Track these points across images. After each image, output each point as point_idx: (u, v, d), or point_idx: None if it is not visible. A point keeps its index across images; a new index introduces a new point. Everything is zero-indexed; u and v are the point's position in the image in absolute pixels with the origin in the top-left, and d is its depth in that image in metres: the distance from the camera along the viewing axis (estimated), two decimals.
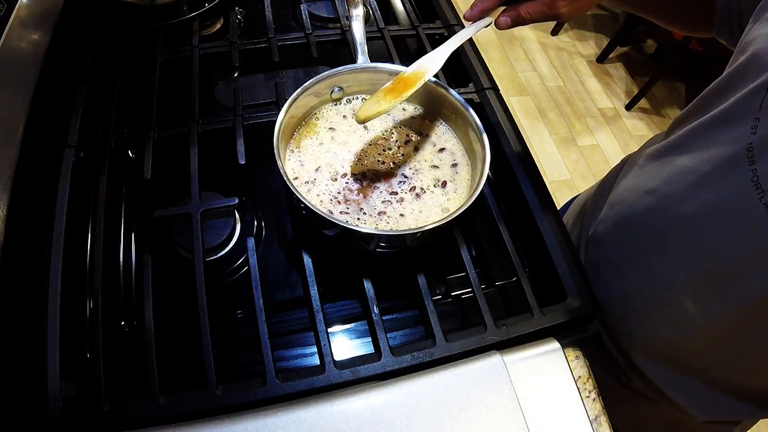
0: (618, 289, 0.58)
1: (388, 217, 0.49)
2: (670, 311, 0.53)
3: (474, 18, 0.51)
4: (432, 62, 0.52)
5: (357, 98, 0.58)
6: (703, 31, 0.58)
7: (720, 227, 0.45)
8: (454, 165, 0.54)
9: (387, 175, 0.52)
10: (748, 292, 0.44)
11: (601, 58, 2.56)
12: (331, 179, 0.51)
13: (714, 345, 0.51)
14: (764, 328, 0.46)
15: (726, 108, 0.45)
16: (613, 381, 0.65)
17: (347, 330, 0.53)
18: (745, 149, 0.41)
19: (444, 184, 0.52)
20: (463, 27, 0.75)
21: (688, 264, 0.49)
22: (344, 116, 0.56)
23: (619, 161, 0.73)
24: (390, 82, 0.51)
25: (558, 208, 0.57)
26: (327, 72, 0.53)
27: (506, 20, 0.50)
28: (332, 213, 0.48)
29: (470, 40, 0.73)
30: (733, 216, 0.44)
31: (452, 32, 0.74)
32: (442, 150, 0.55)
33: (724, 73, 0.48)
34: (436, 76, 0.58)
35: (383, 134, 0.55)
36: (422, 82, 0.50)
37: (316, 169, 0.52)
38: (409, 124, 0.57)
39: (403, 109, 0.58)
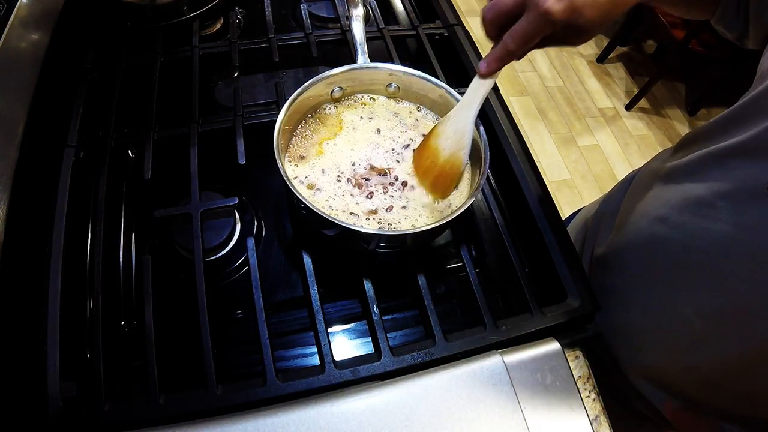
0: (621, 316, 0.56)
1: (389, 217, 0.49)
2: (672, 344, 0.51)
3: (492, 73, 0.47)
4: (462, 145, 0.49)
5: (360, 97, 0.58)
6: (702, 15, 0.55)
7: (733, 264, 0.43)
8: None
9: (387, 175, 0.52)
10: (757, 334, 0.42)
11: (601, 58, 2.56)
12: (332, 179, 0.51)
13: (716, 381, 0.49)
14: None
15: (744, 140, 0.42)
16: (615, 402, 0.62)
17: (347, 330, 0.53)
18: (765, 187, 0.39)
19: None
20: (461, 26, 0.75)
21: (696, 300, 0.47)
22: (345, 116, 0.56)
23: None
24: (424, 172, 0.51)
25: (560, 214, 0.56)
26: (327, 72, 0.53)
27: (487, 65, 0.45)
28: (333, 213, 0.48)
29: (470, 40, 0.73)
30: (747, 254, 0.42)
31: (452, 33, 0.74)
32: None
33: (743, 99, 0.45)
34: (435, 76, 0.58)
35: (386, 135, 0.55)
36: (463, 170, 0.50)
37: (321, 171, 0.52)
38: (411, 125, 0.57)
39: (410, 113, 0.58)
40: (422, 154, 0.51)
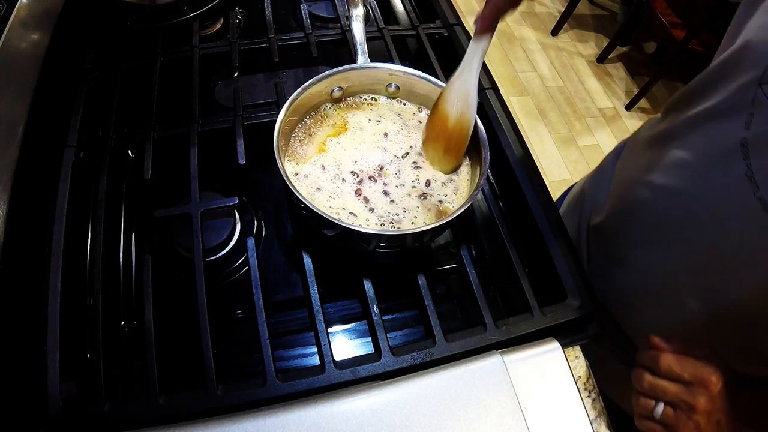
0: (620, 279, 0.59)
1: (389, 217, 0.49)
2: (669, 302, 0.54)
3: (487, 29, 0.47)
4: (468, 105, 0.49)
5: (360, 97, 0.58)
6: None
7: (715, 220, 0.46)
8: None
9: (387, 175, 0.52)
10: (743, 284, 0.45)
11: (601, 58, 2.56)
12: (332, 177, 0.51)
13: (712, 335, 0.52)
14: (760, 318, 0.47)
15: (719, 102, 0.45)
16: (620, 364, 0.66)
17: (347, 330, 0.53)
18: (739, 144, 0.42)
19: (444, 184, 0.52)
20: (461, 25, 0.75)
21: (686, 256, 0.50)
22: (346, 117, 0.56)
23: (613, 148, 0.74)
24: (433, 133, 0.52)
25: (560, 214, 0.57)
26: (327, 72, 0.53)
27: (482, 21, 0.46)
28: (332, 212, 0.48)
29: (470, 40, 0.73)
30: (727, 209, 0.45)
31: (452, 33, 0.74)
32: None
33: (717, 60, 0.48)
34: (435, 75, 0.58)
35: (392, 139, 0.55)
36: (470, 133, 0.50)
37: (321, 168, 0.52)
38: (414, 127, 0.57)
39: (413, 114, 0.58)
40: (433, 121, 0.53)
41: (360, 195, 0.50)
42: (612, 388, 0.68)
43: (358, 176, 0.51)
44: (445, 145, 0.52)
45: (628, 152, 0.65)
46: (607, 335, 0.63)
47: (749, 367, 0.52)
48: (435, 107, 0.52)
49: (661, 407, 0.46)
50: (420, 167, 0.53)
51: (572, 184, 0.88)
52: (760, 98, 0.41)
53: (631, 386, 0.52)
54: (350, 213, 0.49)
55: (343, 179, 0.51)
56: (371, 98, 0.58)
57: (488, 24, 0.46)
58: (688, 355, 0.46)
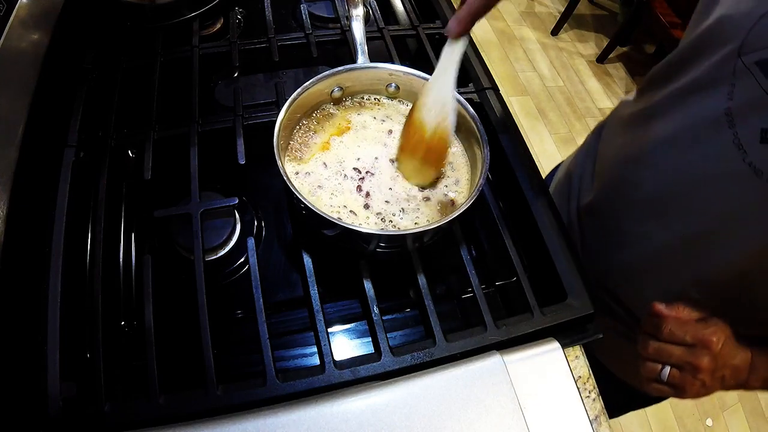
0: (616, 255, 0.61)
1: (389, 216, 0.49)
2: (667, 272, 0.55)
3: (462, 33, 0.46)
4: (445, 113, 0.48)
5: (365, 97, 0.58)
6: None
7: (708, 189, 0.48)
8: (454, 165, 0.54)
9: (387, 175, 0.52)
10: (739, 248, 0.47)
11: (601, 58, 2.56)
12: (335, 176, 0.51)
13: (711, 301, 0.53)
14: (757, 281, 0.49)
15: (699, 76, 0.47)
16: (626, 341, 0.67)
17: (347, 330, 0.53)
18: (724, 114, 0.44)
19: (446, 185, 0.52)
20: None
21: (681, 226, 0.51)
22: (350, 116, 0.56)
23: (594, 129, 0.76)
24: (408, 144, 0.50)
25: (560, 214, 0.58)
26: (327, 72, 0.53)
27: (457, 24, 0.45)
28: (332, 210, 0.48)
29: (470, 40, 0.73)
30: (718, 177, 0.46)
31: None
32: None
33: (691, 36, 0.49)
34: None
35: (389, 133, 0.55)
36: (451, 142, 0.50)
37: (323, 165, 0.52)
38: None
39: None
40: (408, 131, 0.50)
41: (361, 191, 0.50)
42: (612, 360, 0.72)
43: (360, 173, 0.51)
44: (423, 156, 0.49)
45: (610, 132, 0.67)
46: (605, 311, 0.65)
47: (750, 330, 0.53)
48: (410, 117, 0.50)
49: (667, 370, 0.50)
50: None
51: (557, 164, 0.89)
52: (741, 68, 0.42)
53: (631, 358, 0.55)
54: (351, 211, 0.49)
55: (345, 175, 0.51)
56: (374, 98, 0.58)
57: (465, 26, 0.45)
58: (688, 319, 0.49)
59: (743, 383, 0.50)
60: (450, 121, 0.48)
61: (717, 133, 0.45)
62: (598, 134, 0.72)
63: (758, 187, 0.43)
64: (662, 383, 0.50)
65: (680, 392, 0.50)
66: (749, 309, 0.52)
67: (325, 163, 0.52)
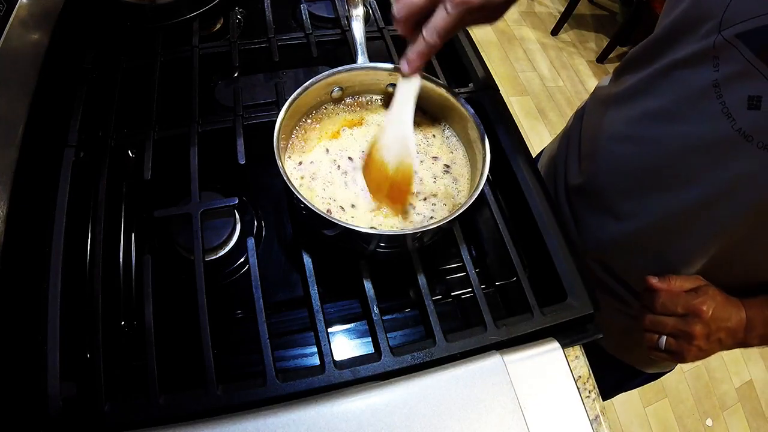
0: (612, 229, 0.62)
1: (389, 216, 0.49)
2: (664, 243, 0.57)
3: (416, 71, 0.47)
4: (406, 150, 0.48)
5: (363, 98, 0.58)
6: None
7: (699, 157, 0.49)
8: (454, 165, 0.54)
9: (387, 175, 0.52)
10: (733, 213, 0.49)
11: (601, 58, 2.56)
12: (333, 178, 0.51)
13: (709, 267, 0.56)
14: (753, 244, 0.51)
15: (683, 54, 0.49)
16: (620, 315, 0.69)
17: (347, 330, 0.53)
18: (711, 85, 0.46)
19: (445, 185, 0.52)
20: None
21: (675, 197, 0.53)
22: (347, 117, 0.56)
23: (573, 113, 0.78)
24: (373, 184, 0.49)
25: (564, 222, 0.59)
26: (327, 72, 0.53)
27: (409, 63, 0.45)
28: (331, 213, 0.48)
29: (470, 40, 0.73)
30: (709, 145, 0.48)
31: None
32: (442, 150, 0.55)
33: (668, 19, 0.52)
34: (435, 75, 0.58)
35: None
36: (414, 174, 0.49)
37: (319, 169, 0.52)
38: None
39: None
40: (370, 169, 0.49)
41: (361, 194, 0.50)
42: (614, 342, 0.75)
43: (358, 176, 0.51)
44: (387, 193, 0.48)
45: (592, 114, 0.68)
46: (600, 286, 0.67)
47: (746, 294, 0.56)
48: (369, 157, 0.49)
49: (663, 339, 0.55)
50: (420, 169, 0.53)
51: (539, 152, 0.91)
52: (722, 42, 0.44)
53: (624, 335, 0.62)
54: (350, 213, 0.49)
55: (344, 180, 0.51)
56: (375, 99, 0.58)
57: (415, 66, 0.46)
58: (680, 290, 0.54)
59: (741, 342, 0.54)
60: (412, 157, 0.47)
61: (705, 103, 0.47)
62: (579, 119, 0.73)
63: (749, 152, 0.45)
64: (661, 351, 0.55)
65: (679, 358, 0.55)
66: (745, 274, 0.55)
67: (322, 165, 0.52)
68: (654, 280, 0.55)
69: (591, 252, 0.66)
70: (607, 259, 0.66)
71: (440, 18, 0.42)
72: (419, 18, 0.43)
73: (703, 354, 0.54)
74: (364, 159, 0.51)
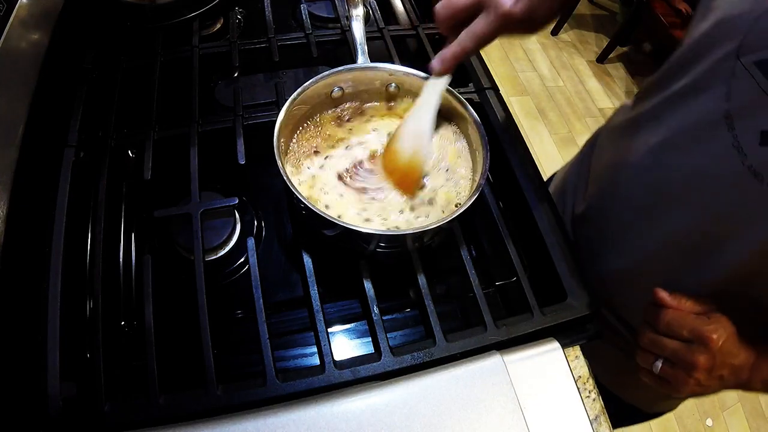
0: (612, 262, 0.60)
1: (389, 216, 0.49)
2: (664, 277, 0.54)
3: (447, 72, 0.47)
4: (420, 146, 0.49)
5: (363, 98, 0.57)
6: None
7: (706, 192, 0.47)
8: (454, 165, 0.54)
9: (399, 163, 0.52)
10: (737, 252, 0.46)
11: (601, 58, 2.56)
12: (332, 179, 0.51)
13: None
14: (754, 284, 0.48)
15: (697, 79, 0.46)
16: (616, 351, 0.67)
17: (347, 330, 0.53)
18: (723, 116, 0.43)
19: (441, 185, 0.52)
20: None
21: (677, 230, 0.50)
22: (346, 118, 0.56)
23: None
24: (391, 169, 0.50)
25: (560, 214, 0.57)
26: (327, 72, 0.53)
27: (442, 63, 0.45)
28: (331, 212, 0.48)
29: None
30: (717, 180, 0.45)
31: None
32: (442, 150, 0.55)
33: (689, 39, 0.48)
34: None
35: (384, 136, 0.55)
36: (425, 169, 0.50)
37: (319, 168, 0.52)
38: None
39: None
40: (387, 156, 0.52)
41: (360, 195, 0.50)
42: (611, 378, 0.70)
43: (358, 176, 0.51)
44: (397, 180, 0.51)
45: (605, 139, 0.66)
46: (604, 325, 0.63)
47: (752, 330, 0.52)
48: (389, 143, 0.52)
49: (659, 363, 0.48)
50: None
51: (551, 174, 0.88)
52: (739, 69, 0.41)
53: (630, 376, 0.54)
54: (350, 212, 0.49)
55: (343, 179, 0.51)
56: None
57: (447, 67, 0.46)
58: (691, 311, 0.47)
59: (744, 383, 0.48)
60: (425, 153, 0.49)
61: (715, 135, 0.44)
62: (593, 144, 0.71)
63: (758, 191, 0.42)
64: (654, 376, 0.48)
65: (672, 388, 0.48)
66: (749, 311, 0.51)
67: (322, 166, 0.52)
68: (663, 294, 0.48)
69: (590, 284, 0.65)
70: (607, 293, 0.63)
71: (481, 25, 0.42)
72: (460, 21, 0.43)
73: (700, 390, 0.47)
74: (385, 144, 0.53)
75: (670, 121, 0.50)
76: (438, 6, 0.44)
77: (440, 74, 0.47)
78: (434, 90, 0.48)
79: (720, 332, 0.45)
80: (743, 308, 0.51)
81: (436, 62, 0.46)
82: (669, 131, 0.49)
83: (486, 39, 0.43)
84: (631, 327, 0.63)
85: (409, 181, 0.50)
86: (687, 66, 0.48)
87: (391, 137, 0.52)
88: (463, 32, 0.43)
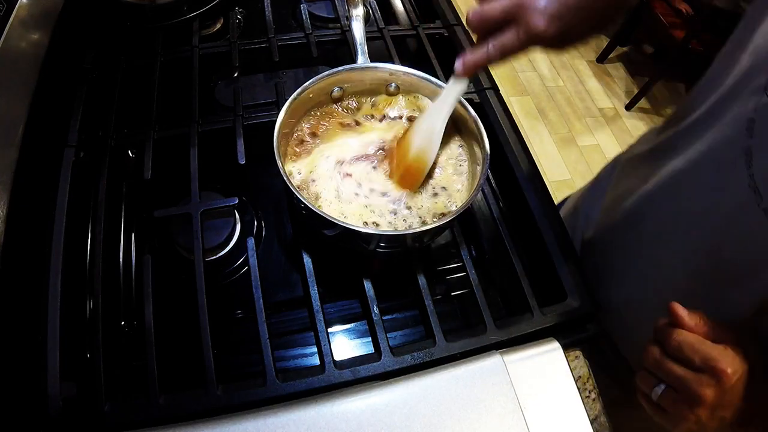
0: (616, 294, 0.58)
1: (389, 216, 0.49)
2: (660, 313, 0.51)
3: (468, 75, 0.46)
4: (429, 142, 0.50)
5: (363, 98, 0.57)
6: None
7: (716, 230, 0.44)
8: (454, 165, 0.54)
9: (387, 175, 0.52)
10: (743, 294, 0.43)
11: (601, 58, 2.56)
12: (332, 179, 0.51)
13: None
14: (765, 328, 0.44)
15: (720, 109, 0.44)
16: (616, 387, 0.64)
17: (347, 330, 0.53)
18: (743, 152, 0.40)
19: (443, 187, 0.52)
20: (461, 27, 0.75)
21: (685, 266, 0.48)
22: (346, 118, 0.56)
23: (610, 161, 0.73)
24: (395, 162, 0.51)
25: (560, 214, 0.57)
26: (327, 72, 0.53)
27: (464, 67, 0.45)
28: (331, 212, 0.48)
29: (470, 40, 0.73)
30: (729, 219, 0.43)
31: (452, 33, 0.74)
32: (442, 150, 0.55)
33: (716, 68, 0.47)
34: (435, 75, 0.58)
35: (384, 136, 0.55)
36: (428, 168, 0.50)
37: (318, 168, 0.52)
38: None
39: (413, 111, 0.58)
40: (400, 144, 0.52)
41: (360, 195, 0.50)
42: (614, 414, 0.66)
43: (358, 176, 0.51)
44: (402, 172, 0.51)
45: (624, 167, 0.64)
46: (601, 365, 0.60)
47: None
48: (406, 131, 0.52)
49: (660, 389, 0.41)
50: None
51: (564, 198, 0.86)
52: (764, 105, 0.39)
53: (632, 414, 0.48)
54: (350, 212, 0.49)
55: (343, 179, 0.51)
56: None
57: (468, 71, 0.46)
58: (708, 336, 0.40)
59: (742, 423, 0.41)
60: (431, 151, 0.50)
61: (733, 173, 0.41)
62: (611, 169, 0.69)
63: None
64: (652, 403, 0.42)
65: (669, 421, 0.42)
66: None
67: (321, 165, 0.52)
68: (681, 311, 0.41)
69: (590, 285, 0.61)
70: (607, 322, 0.59)
71: (509, 38, 0.42)
72: (491, 29, 0.43)
73: (696, 429, 0.41)
74: (396, 137, 0.54)
75: (689, 152, 0.48)
76: (471, 11, 0.43)
77: (461, 76, 0.47)
78: (453, 90, 0.49)
79: (736, 367, 0.38)
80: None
81: (458, 64, 0.46)
82: (686, 163, 0.48)
83: (512, 52, 0.43)
84: (630, 368, 0.60)
85: (410, 176, 0.51)
86: (711, 96, 0.46)
87: (404, 132, 0.52)
88: (491, 41, 0.43)
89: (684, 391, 0.39)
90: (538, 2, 0.39)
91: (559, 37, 0.40)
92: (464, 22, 0.76)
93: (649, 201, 0.53)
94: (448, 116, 0.49)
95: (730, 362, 0.38)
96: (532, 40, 0.41)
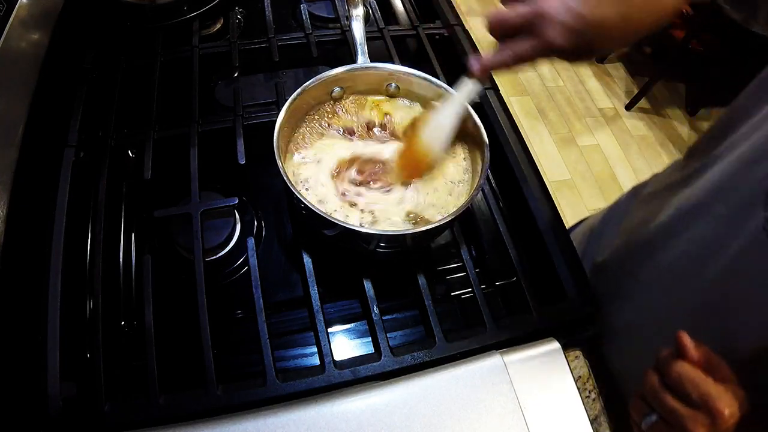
0: (622, 319, 0.57)
1: (389, 216, 0.49)
2: (666, 343, 0.50)
3: (482, 77, 0.46)
4: (436, 138, 0.50)
5: (363, 98, 0.58)
6: None
7: (726, 270, 0.44)
8: (454, 165, 0.54)
9: (387, 175, 0.52)
10: (749, 331, 0.43)
11: (601, 58, 2.55)
12: (332, 179, 0.51)
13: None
14: (761, 367, 0.43)
15: (745, 145, 0.43)
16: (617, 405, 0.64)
17: (347, 330, 0.53)
18: (764, 193, 0.39)
19: (445, 183, 0.52)
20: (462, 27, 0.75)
21: (691, 297, 0.48)
22: (345, 118, 0.56)
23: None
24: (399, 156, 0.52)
25: (560, 213, 0.57)
26: (327, 72, 0.53)
27: (480, 68, 0.45)
28: (330, 212, 0.48)
29: (470, 40, 0.73)
30: (742, 258, 0.42)
31: (452, 32, 0.74)
32: None
33: (743, 103, 0.46)
34: (435, 75, 0.58)
35: (385, 136, 0.55)
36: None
37: (317, 166, 0.52)
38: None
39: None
40: (408, 134, 0.53)
41: (360, 195, 0.50)
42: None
43: (358, 176, 0.51)
44: (405, 162, 0.52)
45: (649, 194, 0.63)
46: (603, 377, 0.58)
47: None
48: (417, 121, 0.53)
49: (651, 419, 0.41)
50: None
51: (578, 222, 0.86)
52: None
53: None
54: (350, 212, 0.49)
55: (343, 179, 0.51)
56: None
57: (481, 73, 0.46)
58: (710, 372, 0.39)
59: None
60: (438, 147, 0.50)
61: (751, 212, 0.40)
62: (632, 195, 0.68)
63: None
64: (642, 430, 0.42)
65: None
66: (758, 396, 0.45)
67: (320, 164, 0.52)
68: (687, 340, 0.40)
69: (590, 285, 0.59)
70: (609, 349, 0.59)
71: (524, 47, 0.41)
72: (509, 34, 0.43)
73: None
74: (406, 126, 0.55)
75: (710, 185, 0.47)
76: (489, 15, 0.43)
77: (475, 77, 0.47)
78: (466, 90, 0.49)
79: (733, 409, 0.37)
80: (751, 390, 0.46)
81: (474, 64, 0.46)
82: (707, 196, 0.47)
83: (526, 60, 0.42)
84: (621, 396, 0.59)
85: (413, 167, 0.51)
86: (739, 128, 0.46)
87: (414, 124, 0.53)
88: (507, 46, 0.43)
89: (676, 426, 0.38)
90: (558, 15, 0.39)
91: (576, 52, 0.40)
92: (464, 23, 0.76)
93: (664, 231, 0.52)
94: (457, 115, 0.50)
95: (728, 403, 0.37)
96: (547, 51, 0.41)
